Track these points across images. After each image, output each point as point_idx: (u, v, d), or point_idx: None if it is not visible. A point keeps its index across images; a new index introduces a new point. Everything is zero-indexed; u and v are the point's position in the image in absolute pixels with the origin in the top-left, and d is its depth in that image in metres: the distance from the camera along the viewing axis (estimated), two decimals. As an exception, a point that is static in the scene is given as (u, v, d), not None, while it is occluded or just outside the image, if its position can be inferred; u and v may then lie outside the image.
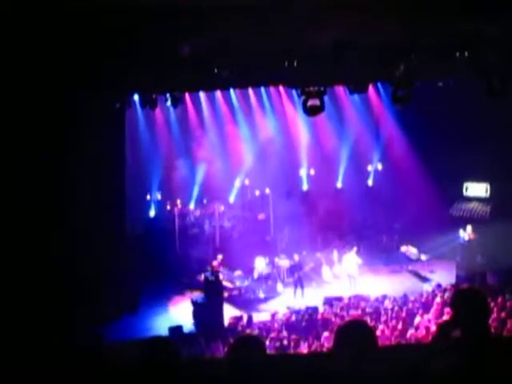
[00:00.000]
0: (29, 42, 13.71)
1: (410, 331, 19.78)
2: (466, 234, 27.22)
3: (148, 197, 30.95)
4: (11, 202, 15.49)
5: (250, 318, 23.23)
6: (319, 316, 22.49)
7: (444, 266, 28.13)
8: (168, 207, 31.31)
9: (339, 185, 33.05)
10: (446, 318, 18.80)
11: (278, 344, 19.71)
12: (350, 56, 16.20)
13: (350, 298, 24.28)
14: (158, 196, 31.23)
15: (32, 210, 16.05)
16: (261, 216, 32.03)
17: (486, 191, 30.57)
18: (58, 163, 16.90)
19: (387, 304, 22.96)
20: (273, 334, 20.64)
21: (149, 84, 18.57)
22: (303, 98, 18.45)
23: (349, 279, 27.44)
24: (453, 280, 26.07)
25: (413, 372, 5.90)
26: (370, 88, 23.65)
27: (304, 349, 19.58)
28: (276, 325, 22.34)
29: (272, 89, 30.12)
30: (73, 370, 7.11)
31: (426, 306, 22.16)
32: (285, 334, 21.12)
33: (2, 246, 15.28)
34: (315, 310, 23.33)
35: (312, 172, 32.77)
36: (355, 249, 28.31)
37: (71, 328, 16.85)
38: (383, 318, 21.48)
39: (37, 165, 16.04)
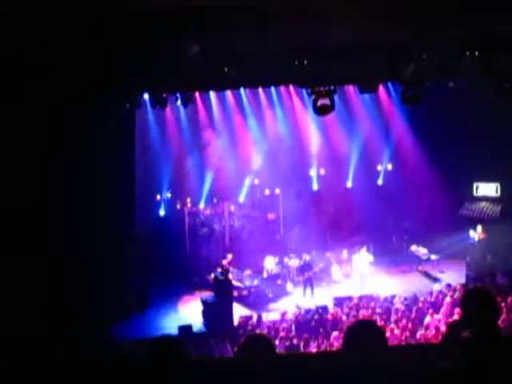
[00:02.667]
0: (35, 44, 13.75)
1: (420, 331, 19.78)
2: (476, 233, 27.17)
3: (158, 196, 30.98)
4: (19, 202, 15.54)
5: (259, 318, 23.25)
6: (329, 315, 22.48)
7: (454, 266, 28.09)
8: (178, 206, 31.32)
9: (349, 184, 33.00)
10: (455, 318, 18.80)
11: (287, 343, 19.72)
12: (360, 56, 16.21)
13: (359, 298, 24.25)
14: (168, 195, 31.26)
15: (39, 209, 16.09)
16: (270, 215, 32.02)
17: (497, 191, 30.50)
18: (66, 163, 16.92)
19: (397, 304, 22.95)
20: (282, 334, 20.65)
21: (159, 84, 18.59)
22: (313, 97, 18.45)
23: (360, 278, 27.43)
24: (462, 280, 26.05)
25: (422, 372, 5.91)
26: (380, 87, 23.66)
27: (313, 348, 19.59)
28: (285, 324, 22.34)
29: (282, 88, 30.09)
30: (82, 369, 7.14)
31: (436, 306, 22.14)
32: (294, 333, 21.13)
33: (11, 244, 15.32)
34: (325, 309, 23.33)
35: (322, 172, 32.75)
36: (365, 247, 28.32)
37: (80, 328, 16.88)
38: (393, 318, 21.47)
39: (44, 165, 16.08)
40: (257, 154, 31.21)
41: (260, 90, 29.87)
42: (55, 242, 16.59)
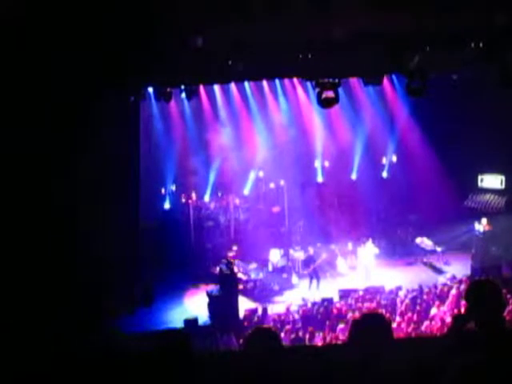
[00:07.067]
0: (41, 36, 13.75)
1: (426, 323, 19.79)
2: (481, 225, 27.12)
3: (163, 189, 30.95)
4: (26, 196, 15.56)
5: (264, 310, 23.28)
6: (334, 308, 22.50)
7: (459, 258, 28.08)
8: (183, 200, 31.30)
9: (354, 177, 32.95)
10: (461, 309, 18.81)
11: (293, 336, 19.76)
12: (364, 48, 16.19)
13: (365, 290, 24.27)
14: (173, 188, 31.22)
15: (46, 204, 16.11)
16: (275, 208, 32.02)
17: (501, 183, 30.45)
18: (71, 159, 16.94)
19: (402, 296, 22.96)
20: (288, 326, 20.69)
21: (163, 77, 18.59)
22: (318, 89, 18.44)
23: (365, 270, 27.43)
24: (468, 272, 26.06)
25: (427, 365, 5.91)
26: (385, 80, 23.62)
27: (319, 341, 19.61)
28: (291, 317, 22.38)
29: (286, 80, 30.03)
30: (87, 362, 7.16)
31: (441, 298, 22.15)
32: (300, 326, 21.16)
33: (19, 241, 15.35)
34: (330, 301, 23.35)
35: (327, 164, 32.71)
36: (370, 240, 28.32)
37: (86, 321, 16.93)
38: (398, 310, 21.49)
39: (49, 163, 16.10)
40: (261, 146, 31.17)
41: (264, 82, 29.83)
42: (59, 237, 16.62)
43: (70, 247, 16.97)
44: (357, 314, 19.92)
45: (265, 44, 15.91)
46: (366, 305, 22.24)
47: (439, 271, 28.01)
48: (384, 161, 33.03)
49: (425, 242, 29.51)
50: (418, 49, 16.55)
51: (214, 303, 24.16)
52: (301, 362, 6.27)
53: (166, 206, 31.18)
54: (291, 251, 29.04)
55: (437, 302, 21.49)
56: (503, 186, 30.43)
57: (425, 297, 22.49)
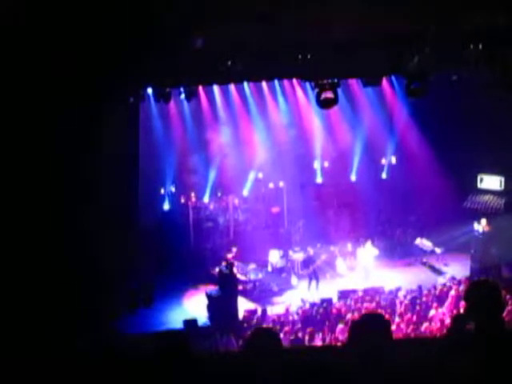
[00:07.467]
0: (41, 36, 13.74)
1: (425, 324, 19.79)
2: (481, 226, 27.08)
3: (162, 190, 30.91)
4: (26, 196, 15.56)
5: (264, 311, 23.28)
6: (334, 308, 22.50)
7: (458, 259, 28.06)
8: (182, 200, 31.26)
9: (353, 178, 32.94)
10: (460, 310, 18.81)
11: (292, 337, 19.75)
12: (363, 49, 16.20)
13: (364, 291, 24.25)
14: (172, 189, 31.18)
15: (46, 204, 16.12)
16: (275, 209, 32.02)
17: (501, 184, 30.42)
18: (72, 160, 16.93)
19: (401, 297, 22.96)
20: (287, 327, 20.68)
21: (163, 77, 18.58)
22: (317, 90, 18.43)
23: (364, 271, 27.41)
24: (467, 273, 26.05)
25: (427, 367, 5.91)
26: (384, 81, 23.60)
27: (318, 341, 19.61)
28: (290, 318, 22.38)
29: (286, 81, 30.00)
30: (87, 363, 7.15)
31: (441, 299, 22.15)
32: (299, 326, 21.15)
33: (19, 241, 15.35)
34: (330, 302, 23.34)
35: (326, 165, 32.69)
36: (370, 241, 28.31)
37: (86, 322, 16.93)
38: (398, 311, 21.49)
39: (51, 164, 16.10)
40: (261, 147, 31.14)
41: (263, 83, 29.78)
42: (59, 237, 16.62)
43: (70, 247, 16.97)
44: (356, 315, 19.94)
45: (265, 44, 15.92)
46: (366, 305, 22.23)
47: (438, 272, 27.99)
48: (383, 162, 33.01)
49: (424, 242, 29.47)
50: (417, 49, 16.54)
51: (213, 304, 24.15)
52: (300, 363, 6.26)
53: (166, 206, 31.13)
54: (290, 252, 29.02)
55: (436, 304, 21.49)
56: (502, 187, 30.40)
57: (424, 298, 22.49)
